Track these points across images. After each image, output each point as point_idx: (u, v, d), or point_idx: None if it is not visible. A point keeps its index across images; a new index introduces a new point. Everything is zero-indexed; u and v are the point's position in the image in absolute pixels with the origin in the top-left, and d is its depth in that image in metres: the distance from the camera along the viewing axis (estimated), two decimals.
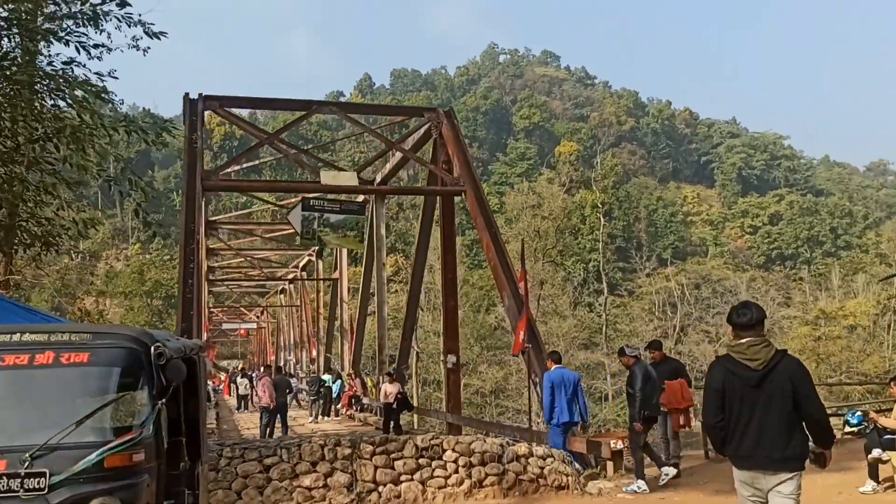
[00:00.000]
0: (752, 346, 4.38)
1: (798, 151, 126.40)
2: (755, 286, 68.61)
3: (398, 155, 19.74)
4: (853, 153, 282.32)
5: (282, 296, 49.41)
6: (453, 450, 9.13)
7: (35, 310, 9.02)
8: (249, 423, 23.24)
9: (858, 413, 9.28)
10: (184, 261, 12.48)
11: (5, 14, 10.21)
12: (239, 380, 32.14)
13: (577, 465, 10.22)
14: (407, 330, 21.54)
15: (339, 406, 25.59)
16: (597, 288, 67.43)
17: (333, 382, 26.28)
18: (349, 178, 15.31)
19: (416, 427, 24.61)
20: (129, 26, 11.09)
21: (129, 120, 11.38)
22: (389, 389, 16.65)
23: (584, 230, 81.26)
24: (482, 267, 62.12)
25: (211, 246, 33.13)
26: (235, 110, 18.35)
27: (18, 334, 4.21)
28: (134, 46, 12.71)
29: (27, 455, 3.81)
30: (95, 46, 10.96)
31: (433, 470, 9.00)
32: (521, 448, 9.44)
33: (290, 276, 41.91)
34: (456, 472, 9.04)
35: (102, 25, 11.88)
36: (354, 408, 24.50)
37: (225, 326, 58.16)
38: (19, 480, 3.78)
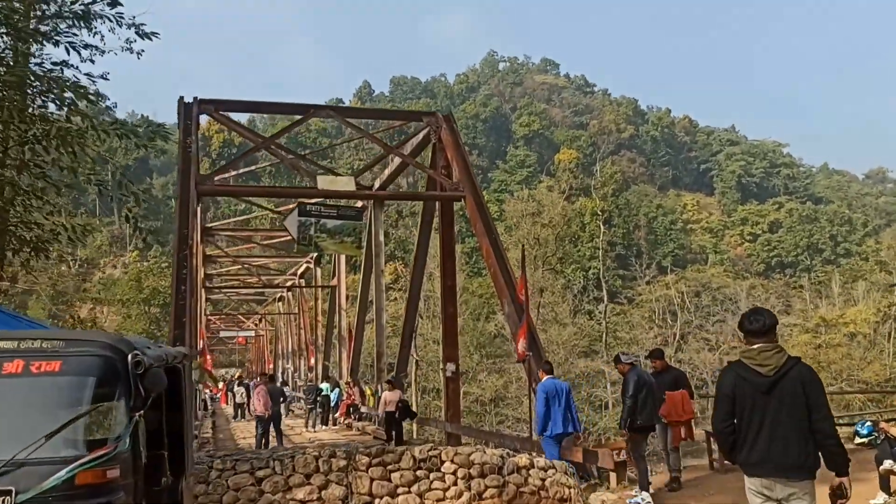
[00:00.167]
0: (764, 351, 4.34)
1: (797, 159, 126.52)
2: (755, 294, 68.35)
3: (397, 161, 19.53)
4: (852, 161, 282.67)
5: (280, 303, 49.14)
6: (452, 461, 8.85)
7: (21, 316, 8.75)
8: (246, 433, 22.97)
9: (868, 423, 9.04)
10: (177, 267, 12.23)
11: None
12: (236, 388, 31.96)
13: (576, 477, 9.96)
14: (406, 337, 21.29)
15: (336, 415, 25.33)
16: (597, 296, 67.12)
17: (331, 391, 26.01)
18: (346, 183, 15.07)
19: (415, 436, 24.33)
20: (120, 26, 10.88)
21: (121, 123, 11.14)
22: (389, 397, 16.39)
23: (583, 238, 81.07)
24: (482, 275, 61.88)
25: (208, 253, 32.89)
26: (233, 115, 18.11)
27: None
28: (128, 49, 12.51)
29: None
30: (86, 47, 10.76)
31: (431, 482, 8.72)
32: (522, 459, 9.17)
33: (289, 284, 41.67)
34: (455, 484, 8.76)
35: (96, 28, 11.69)
36: (353, 416, 24.24)
37: (223, 334, 57.95)
38: None
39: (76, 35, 11.03)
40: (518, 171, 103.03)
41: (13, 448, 3.61)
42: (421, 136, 17.51)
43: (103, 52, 12.06)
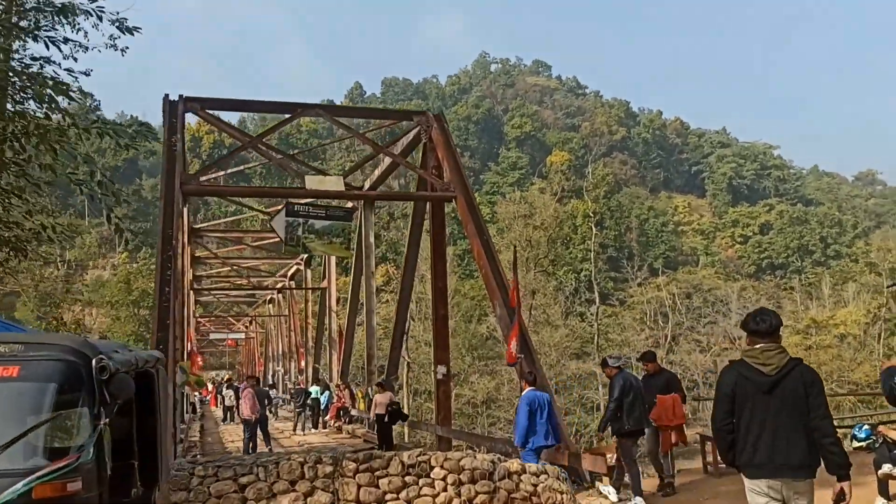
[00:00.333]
0: (766, 351, 4.37)
1: (788, 161, 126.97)
2: (746, 295, 68.53)
3: (387, 161, 19.29)
4: (842, 163, 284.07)
5: (270, 305, 48.79)
6: (442, 467, 8.62)
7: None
8: (235, 436, 22.69)
9: (866, 426, 8.85)
10: (161, 268, 11.95)
11: None
12: (225, 391, 31.66)
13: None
14: (396, 339, 21.04)
15: (327, 418, 25.07)
16: (588, 297, 67.07)
17: (321, 393, 25.76)
18: (335, 183, 14.83)
19: (406, 440, 24.09)
20: (101, 21, 10.61)
21: (104, 122, 10.87)
22: (379, 400, 16.15)
23: (575, 240, 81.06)
24: (474, 277, 61.74)
25: (197, 255, 32.57)
26: (223, 116, 17.81)
27: None
28: (112, 46, 12.25)
29: None
30: (66, 41, 10.48)
31: (420, 488, 8.48)
32: (514, 464, 8.95)
33: (279, 286, 41.35)
34: (444, 490, 8.53)
35: (79, 24, 11.42)
36: (343, 420, 23.99)
37: (213, 336, 57.46)
38: None
39: (56, 30, 10.77)
40: (510, 173, 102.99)
41: None
42: (411, 135, 17.28)
43: (87, 48, 11.81)
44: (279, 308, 46.21)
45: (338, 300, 30.97)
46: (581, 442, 33.81)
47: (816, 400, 4.27)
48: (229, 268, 37.12)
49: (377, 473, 8.43)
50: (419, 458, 8.65)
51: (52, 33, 10.23)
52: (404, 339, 20.70)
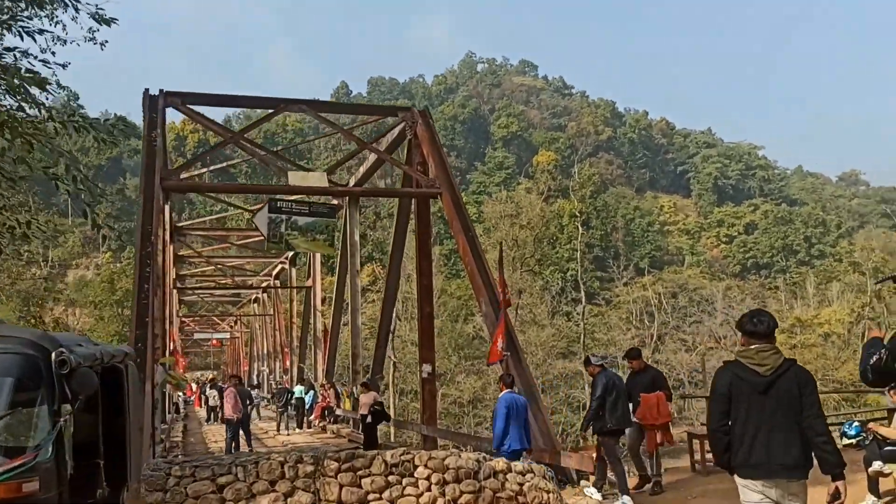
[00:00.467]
0: (762, 351, 4.38)
1: (772, 161, 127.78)
2: (731, 295, 68.91)
3: (372, 158, 19.09)
4: (825, 163, 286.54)
5: (255, 305, 48.43)
6: (425, 466, 8.44)
7: None
8: (218, 436, 22.43)
9: (856, 424, 8.77)
10: (139, 264, 11.70)
11: None
12: (209, 391, 31.40)
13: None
14: (381, 337, 20.87)
15: (311, 417, 24.87)
16: (575, 297, 67.11)
17: (306, 393, 25.55)
18: (318, 179, 14.61)
19: (392, 439, 23.89)
20: (78, 11, 10.31)
21: (80, 115, 10.59)
22: (364, 400, 15.96)
23: (561, 239, 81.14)
24: (460, 276, 61.62)
25: (181, 253, 32.20)
26: (209, 114, 17.54)
27: None
28: (91, 39, 11.96)
29: None
30: (41, 32, 10.17)
31: (404, 488, 8.30)
32: (499, 463, 8.79)
33: (264, 285, 41.02)
34: (428, 489, 8.35)
35: (57, 17, 11.12)
36: (328, 419, 23.79)
37: (197, 336, 57.02)
38: None
39: (32, 21, 10.45)
40: (496, 172, 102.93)
41: None
42: (396, 131, 17.11)
43: (65, 41, 11.52)
44: (264, 307, 45.87)
45: (323, 300, 30.74)
46: (567, 441, 33.74)
47: (809, 399, 4.29)
48: (214, 267, 36.76)
49: (359, 473, 8.24)
50: (402, 458, 8.47)
51: (26, 23, 9.93)
52: (390, 337, 20.52)
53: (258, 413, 29.15)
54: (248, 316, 52.65)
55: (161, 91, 14.79)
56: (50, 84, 9.77)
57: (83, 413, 3.78)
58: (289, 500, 7.94)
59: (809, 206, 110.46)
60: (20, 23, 9.81)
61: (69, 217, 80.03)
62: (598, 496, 9.32)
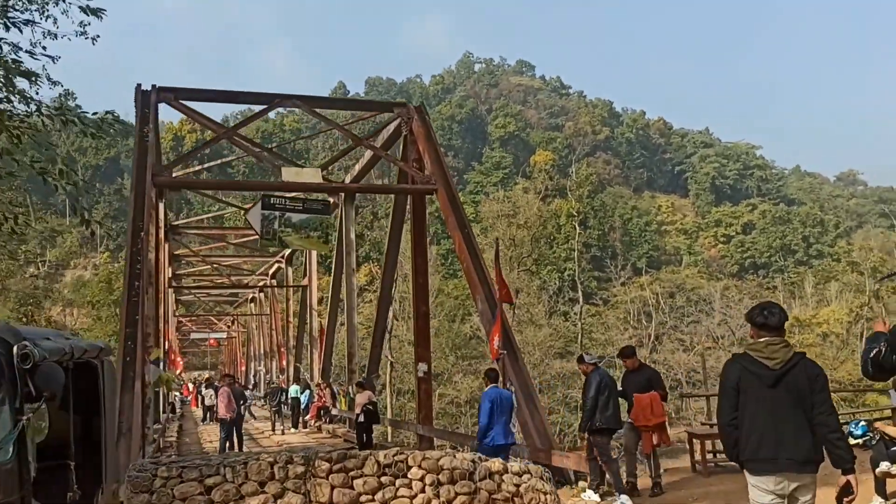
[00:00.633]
0: (771, 345, 4.33)
1: (770, 161, 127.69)
2: (729, 295, 68.67)
3: (368, 155, 18.88)
4: (823, 163, 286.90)
5: (252, 304, 48.19)
6: (419, 466, 8.21)
7: None
8: (213, 436, 22.24)
9: (863, 423, 8.57)
10: (129, 261, 11.47)
11: None
12: (204, 390, 31.19)
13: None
14: (377, 336, 20.65)
15: (307, 417, 24.67)
16: (572, 297, 67.00)
17: (301, 393, 25.35)
18: (312, 175, 14.40)
19: (389, 439, 23.67)
20: (66, 2, 10.11)
21: (67, 109, 10.37)
22: (359, 400, 15.78)
23: (559, 239, 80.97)
24: (457, 276, 61.36)
25: (177, 252, 31.96)
26: (205, 112, 17.27)
27: None
28: (82, 33, 11.77)
29: None
30: (26, 23, 9.96)
31: (397, 489, 8.06)
32: (495, 464, 8.57)
33: (260, 284, 40.78)
34: (422, 491, 8.12)
35: (47, 10, 10.93)
36: (324, 419, 23.60)
37: (194, 336, 56.79)
38: None
39: (21, 13, 10.26)
40: (494, 172, 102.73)
41: None
42: (392, 127, 16.88)
43: (55, 35, 11.34)
44: (261, 307, 45.63)
45: (320, 300, 30.49)
46: (564, 441, 33.55)
47: (821, 395, 4.25)
48: (210, 266, 36.50)
49: (352, 474, 8.00)
50: (396, 458, 8.23)
51: (16, 15, 9.74)
52: (386, 336, 20.31)
53: (251, 413, 28.95)
54: (245, 315, 52.41)
55: (153, 86, 14.57)
56: (38, 77, 9.59)
57: (52, 411, 3.55)
58: (279, 501, 7.71)
59: (807, 205, 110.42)
60: (9, 13, 9.63)
61: (66, 217, 79.69)
62: (595, 498, 9.12)
